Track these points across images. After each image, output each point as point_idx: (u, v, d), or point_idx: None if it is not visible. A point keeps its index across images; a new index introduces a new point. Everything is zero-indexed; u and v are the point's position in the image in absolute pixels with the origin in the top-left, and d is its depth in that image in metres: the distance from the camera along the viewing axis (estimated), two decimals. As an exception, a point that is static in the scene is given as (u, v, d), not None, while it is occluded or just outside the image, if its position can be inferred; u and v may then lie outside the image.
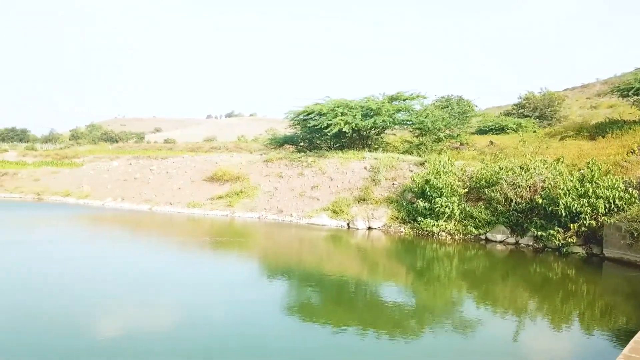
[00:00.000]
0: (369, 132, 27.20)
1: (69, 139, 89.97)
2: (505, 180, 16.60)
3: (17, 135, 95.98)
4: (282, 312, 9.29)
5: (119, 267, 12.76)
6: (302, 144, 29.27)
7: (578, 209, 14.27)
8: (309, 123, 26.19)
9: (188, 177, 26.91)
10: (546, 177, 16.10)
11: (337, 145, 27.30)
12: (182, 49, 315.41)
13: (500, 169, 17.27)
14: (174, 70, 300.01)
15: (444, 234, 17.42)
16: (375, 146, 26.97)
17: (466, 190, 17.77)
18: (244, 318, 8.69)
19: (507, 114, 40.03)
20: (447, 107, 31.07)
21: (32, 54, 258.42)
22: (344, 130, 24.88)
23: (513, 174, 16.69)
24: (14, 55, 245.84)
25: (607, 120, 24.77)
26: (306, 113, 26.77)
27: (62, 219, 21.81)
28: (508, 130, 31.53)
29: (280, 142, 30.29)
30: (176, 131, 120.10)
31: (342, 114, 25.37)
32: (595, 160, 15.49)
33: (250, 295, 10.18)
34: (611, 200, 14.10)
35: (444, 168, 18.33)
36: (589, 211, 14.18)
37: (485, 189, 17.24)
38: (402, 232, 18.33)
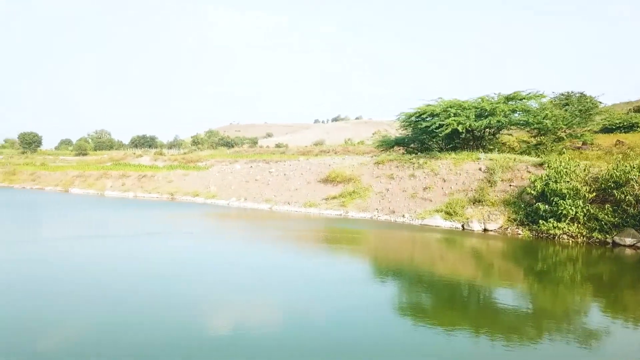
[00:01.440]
0: (483, 133, 26.71)
1: (191, 144, 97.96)
2: (637, 181, 15.60)
3: (147, 142, 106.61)
4: (394, 312, 9.24)
5: (238, 260, 14.12)
6: (412, 145, 29.48)
7: None
8: (421, 124, 26.35)
9: (304, 178, 28.43)
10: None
11: (450, 146, 27.14)
12: (290, 58, 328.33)
13: (632, 168, 16.23)
14: (284, 78, 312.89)
15: (565, 236, 16.77)
16: (490, 147, 26.38)
17: (591, 192, 16.92)
18: (354, 318, 8.71)
19: (638, 109, 36.73)
20: (567, 105, 29.39)
21: (164, 69, 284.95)
22: (457, 130, 24.75)
23: (647, 174, 15.63)
24: (148, 70, 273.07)
25: None
26: (418, 114, 26.97)
27: (202, 216, 24.26)
28: (638, 128, 29.04)
29: (390, 144, 30.76)
30: (286, 136, 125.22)
31: (455, 114, 25.22)
32: None
33: (361, 295, 10.19)
34: None
35: (566, 169, 17.62)
36: None
37: (613, 190, 16.31)
38: (520, 234, 17.91)
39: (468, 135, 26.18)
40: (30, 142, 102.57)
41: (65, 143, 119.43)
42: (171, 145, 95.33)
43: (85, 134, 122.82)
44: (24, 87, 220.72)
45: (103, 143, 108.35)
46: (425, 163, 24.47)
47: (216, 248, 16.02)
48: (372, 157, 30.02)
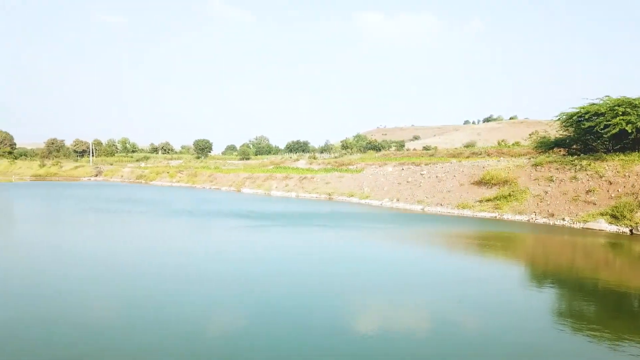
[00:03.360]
0: (658, 132, 24.51)
1: (340, 149, 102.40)
2: None
3: (300, 147, 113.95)
4: (551, 319, 8.78)
5: (391, 260, 15.45)
6: (574, 146, 28.11)
7: None
8: (584, 125, 25.15)
9: (456, 180, 28.92)
10: None
11: (617, 147, 25.40)
12: (437, 58, 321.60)
13: None
14: (431, 78, 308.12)
15: None
16: (666, 147, 24.12)
17: None
18: (509, 323, 8.47)
19: None
20: None
21: (316, 76, 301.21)
22: (625, 130, 23.23)
23: None
24: (302, 78, 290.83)
25: None
26: (580, 114, 25.77)
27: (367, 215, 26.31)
28: None
29: (549, 146, 29.65)
30: (434, 138, 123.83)
31: (623, 113, 23.66)
32: None
33: (517, 300, 9.94)
34: None
35: None
36: None
37: None
38: (702, 241, 16.52)
39: (639, 135, 24.29)
40: (203, 148, 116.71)
41: (230, 149, 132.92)
42: (322, 150, 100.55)
43: (247, 140, 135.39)
44: (200, 96, 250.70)
45: (262, 148, 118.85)
46: (589, 165, 23.40)
47: (375, 247, 17.69)
48: (529, 159, 29.28)
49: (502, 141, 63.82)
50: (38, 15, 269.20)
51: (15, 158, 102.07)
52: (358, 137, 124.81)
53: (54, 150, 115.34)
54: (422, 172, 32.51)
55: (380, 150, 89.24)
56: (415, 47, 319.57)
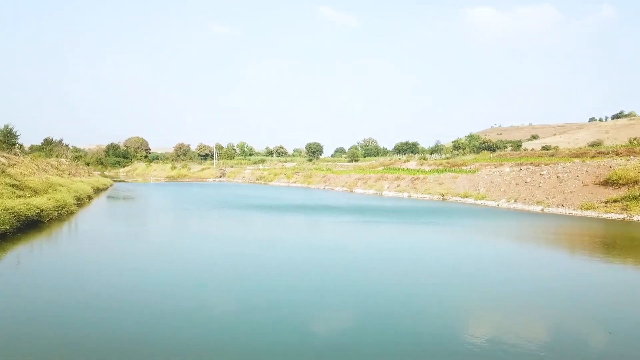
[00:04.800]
0: None
1: (452, 149, 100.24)
2: None
3: (409, 148, 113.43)
4: None
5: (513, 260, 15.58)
6: None
7: None
8: None
9: (579, 181, 27.73)
10: None
11: None
12: (556, 54, 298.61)
13: None
14: (551, 73, 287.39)
15: None
16: None
17: None
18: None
19: None
20: None
21: (426, 75, 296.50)
22: None
23: None
24: (408, 79, 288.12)
25: None
26: None
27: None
28: None
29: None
30: (554, 137, 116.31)
31: None
32: None
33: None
34: None
35: None
36: None
37: None
38: None
39: None
40: (314, 151, 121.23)
41: (339, 151, 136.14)
42: (432, 151, 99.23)
43: (355, 142, 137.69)
44: (311, 101, 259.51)
45: (371, 150, 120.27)
46: None
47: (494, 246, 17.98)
48: (664, 158, 27.20)
49: (635, 139, 58.59)
50: (164, 31, 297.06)
51: (150, 161, 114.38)
52: (471, 137, 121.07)
53: (182, 154, 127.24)
54: (541, 172, 31.47)
55: (495, 150, 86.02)
56: (531, 41, 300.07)
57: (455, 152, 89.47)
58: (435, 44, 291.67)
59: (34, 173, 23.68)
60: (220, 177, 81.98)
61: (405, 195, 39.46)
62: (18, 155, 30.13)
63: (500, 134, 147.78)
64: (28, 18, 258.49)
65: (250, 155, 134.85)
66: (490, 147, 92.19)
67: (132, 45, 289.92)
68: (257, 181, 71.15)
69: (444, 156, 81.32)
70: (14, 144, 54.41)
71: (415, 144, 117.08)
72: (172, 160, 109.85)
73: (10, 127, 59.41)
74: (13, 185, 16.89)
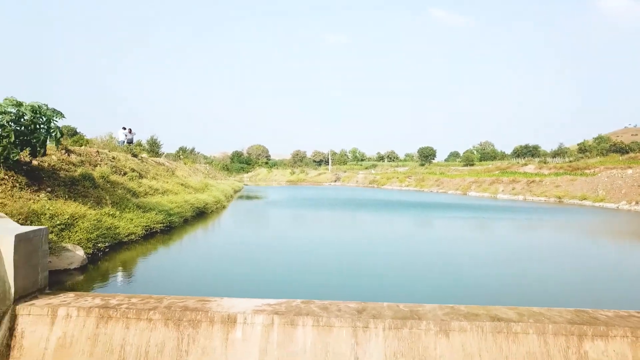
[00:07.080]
0: None
1: (577, 152, 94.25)
2: None
3: (529, 151, 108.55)
4: None
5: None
6: None
7: None
8: None
9: None
10: None
11: None
12: None
13: None
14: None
15: None
16: None
17: None
18: None
19: None
20: None
21: (551, 66, 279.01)
22: None
23: None
24: (524, 75, 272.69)
25: None
26: None
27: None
28: None
29: None
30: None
31: None
32: None
33: None
34: None
35: None
36: None
37: None
38: None
39: None
40: (427, 155, 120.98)
41: (454, 155, 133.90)
42: (555, 154, 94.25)
43: (471, 146, 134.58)
44: (424, 105, 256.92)
45: (487, 154, 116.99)
46: None
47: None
48: None
49: None
50: (284, 45, 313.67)
51: (271, 167, 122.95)
52: (600, 139, 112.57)
53: (298, 160, 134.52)
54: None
55: (627, 152, 79.62)
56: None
57: (580, 155, 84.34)
58: (558, 38, 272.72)
59: (190, 175, 28.56)
60: (335, 181, 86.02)
61: (520, 198, 39.36)
62: (177, 160, 35.92)
63: (636, 134, 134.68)
64: (179, 41, 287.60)
65: (362, 160, 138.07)
66: (622, 150, 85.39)
67: (259, 66, 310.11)
68: (370, 185, 73.75)
69: (567, 159, 77.19)
70: (158, 153, 63.19)
71: (536, 147, 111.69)
72: (290, 166, 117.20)
73: (155, 137, 68.84)
74: (182, 185, 21.28)
